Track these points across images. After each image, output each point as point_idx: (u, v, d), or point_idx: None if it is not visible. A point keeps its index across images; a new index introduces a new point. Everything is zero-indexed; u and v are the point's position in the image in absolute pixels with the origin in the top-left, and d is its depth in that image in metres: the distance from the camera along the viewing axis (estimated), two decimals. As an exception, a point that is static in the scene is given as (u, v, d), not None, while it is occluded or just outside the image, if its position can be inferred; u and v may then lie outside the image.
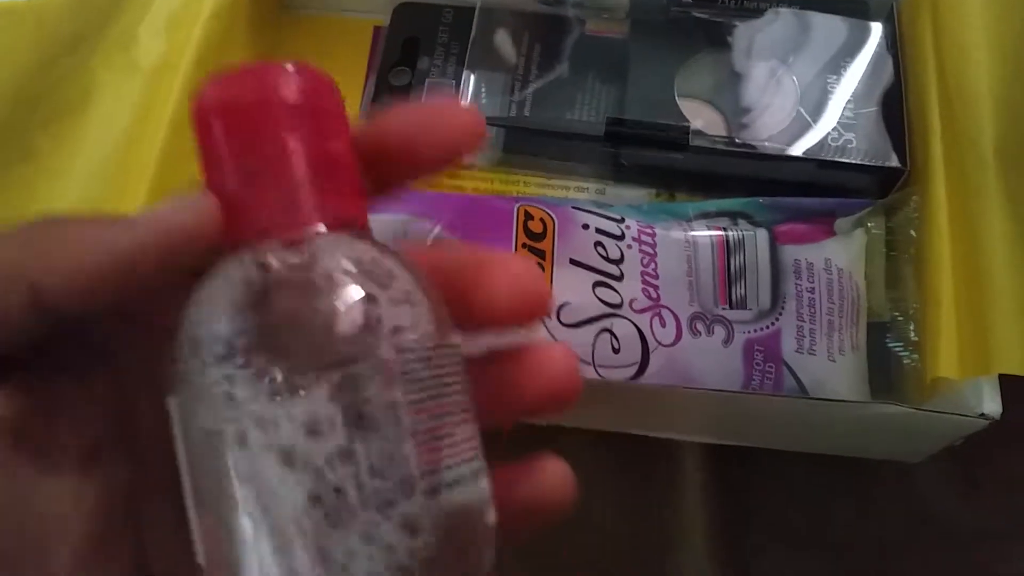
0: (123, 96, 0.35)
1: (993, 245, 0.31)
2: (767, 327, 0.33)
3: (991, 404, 0.30)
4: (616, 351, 0.32)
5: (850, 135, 0.37)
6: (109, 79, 0.35)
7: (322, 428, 0.16)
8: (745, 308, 0.33)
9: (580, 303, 0.32)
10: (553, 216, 0.34)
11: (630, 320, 0.32)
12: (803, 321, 0.33)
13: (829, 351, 0.33)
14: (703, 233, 0.34)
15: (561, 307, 0.32)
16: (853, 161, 0.36)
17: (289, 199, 0.18)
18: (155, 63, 0.36)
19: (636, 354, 0.32)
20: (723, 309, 0.33)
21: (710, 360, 0.33)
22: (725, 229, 0.34)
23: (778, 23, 0.39)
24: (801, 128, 0.37)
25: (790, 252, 0.34)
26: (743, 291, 0.33)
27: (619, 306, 0.32)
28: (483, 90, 0.39)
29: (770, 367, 0.33)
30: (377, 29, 0.44)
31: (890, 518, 0.36)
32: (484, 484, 0.18)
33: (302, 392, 0.16)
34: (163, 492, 0.19)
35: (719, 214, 0.35)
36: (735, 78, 0.38)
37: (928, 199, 0.35)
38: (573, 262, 0.33)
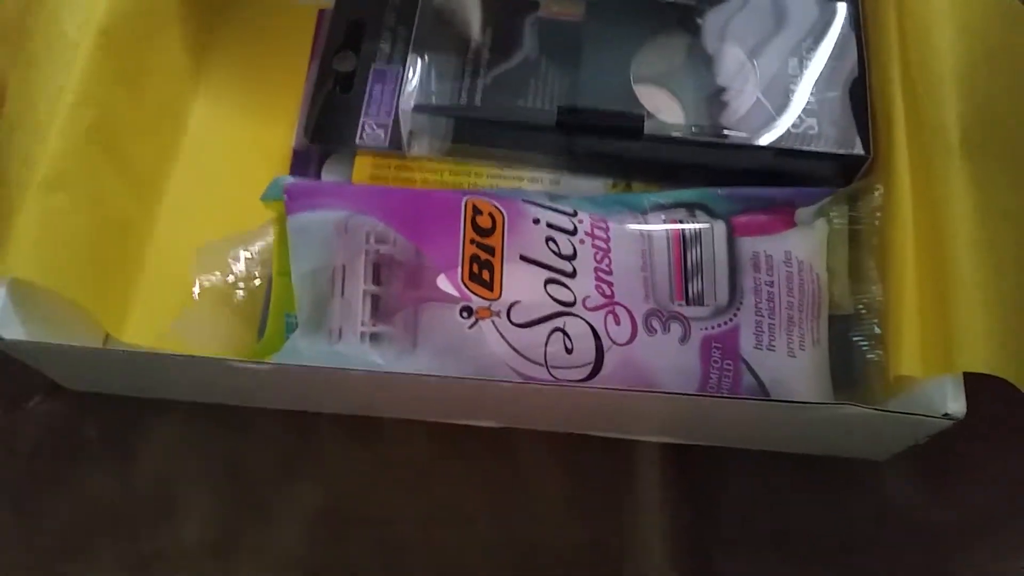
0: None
1: (957, 237, 0.30)
2: (725, 323, 0.32)
3: (955, 404, 0.29)
4: (569, 351, 0.31)
5: (812, 120, 0.35)
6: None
7: None
8: (702, 304, 0.32)
9: (531, 301, 0.31)
10: (503, 210, 0.32)
11: (583, 319, 0.31)
12: (762, 316, 0.32)
13: (789, 347, 0.32)
14: (658, 227, 0.33)
15: (512, 306, 0.31)
16: (814, 149, 0.35)
17: None
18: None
19: (590, 354, 0.31)
20: (679, 305, 0.32)
21: (666, 359, 0.31)
22: (681, 222, 0.33)
23: (738, 4, 0.38)
24: (761, 114, 0.35)
25: (748, 244, 0.33)
26: (700, 286, 0.32)
27: (572, 304, 0.31)
28: (432, 75, 0.37)
29: (728, 364, 0.32)
30: (321, 12, 0.42)
31: (856, 515, 0.35)
32: None
33: None
34: None
35: (676, 205, 0.34)
36: (693, 62, 0.37)
37: (891, 187, 0.33)
38: (524, 259, 0.31)
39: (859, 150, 0.35)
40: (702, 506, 0.35)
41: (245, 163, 0.40)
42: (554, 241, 0.32)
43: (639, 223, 0.33)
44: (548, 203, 0.33)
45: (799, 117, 0.35)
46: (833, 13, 0.37)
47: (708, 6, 0.37)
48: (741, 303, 0.32)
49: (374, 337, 0.31)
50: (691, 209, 0.34)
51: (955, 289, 0.30)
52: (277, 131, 0.40)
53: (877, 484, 0.36)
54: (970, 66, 0.33)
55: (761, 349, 0.32)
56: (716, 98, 0.36)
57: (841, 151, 0.35)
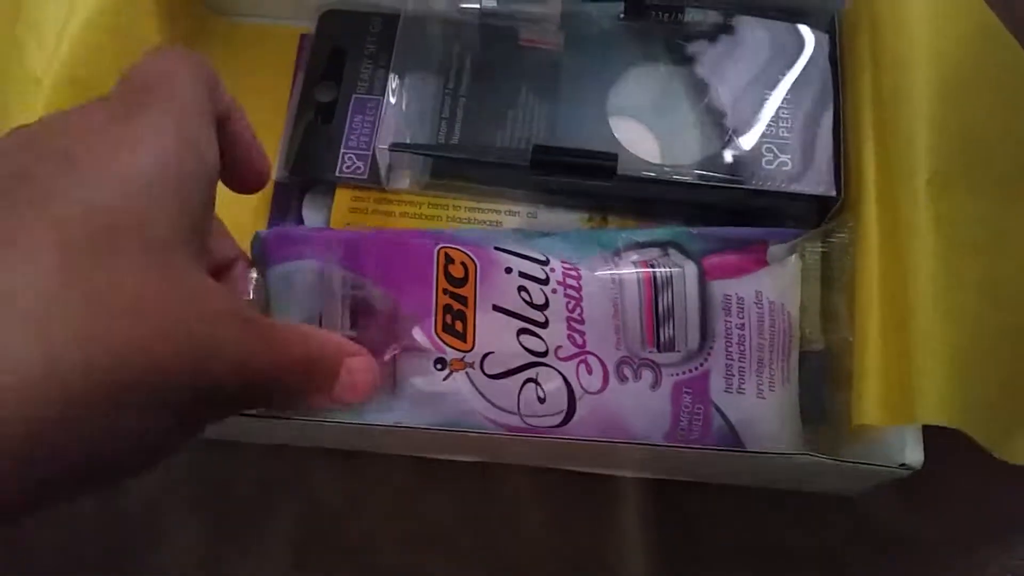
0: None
1: (921, 284, 0.31)
2: (695, 368, 0.33)
3: (913, 453, 0.30)
4: (542, 401, 0.32)
5: (785, 158, 0.36)
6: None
7: None
8: (673, 350, 0.33)
9: (504, 352, 0.32)
10: (475, 259, 0.33)
11: (556, 369, 0.32)
12: (732, 360, 0.33)
13: (759, 388, 0.33)
14: (630, 272, 0.33)
15: (485, 357, 0.32)
16: (786, 189, 0.35)
17: None
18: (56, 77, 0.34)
19: (562, 403, 0.32)
20: (651, 352, 0.33)
21: (637, 404, 0.32)
22: (653, 265, 0.33)
23: (716, 40, 0.37)
24: (734, 151, 0.36)
25: (719, 288, 0.33)
26: (671, 332, 0.33)
27: (544, 354, 0.32)
28: (410, 110, 0.37)
29: (698, 408, 0.33)
30: (303, 37, 0.42)
31: (833, 534, 0.36)
32: None
33: None
34: None
35: (649, 244, 0.34)
36: (670, 96, 0.37)
37: (859, 229, 0.34)
38: (496, 308, 0.32)
39: (830, 191, 0.35)
40: (680, 525, 0.37)
41: (229, 192, 0.40)
42: (526, 291, 0.32)
43: (611, 267, 0.33)
44: (520, 251, 0.33)
45: (773, 155, 0.35)
46: (811, 51, 0.37)
47: (685, 39, 0.37)
48: (712, 347, 0.33)
49: (353, 384, 0.32)
50: (664, 248, 0.34)
51: (917, 339, 0.30)
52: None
53: (853, 503, 0.36)
54: (942, 103, 0.33)
55: (731, 392, 0.33)
56: (692, 134, 0.36)
57: (813, 191, 0.35)
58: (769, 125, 0.36)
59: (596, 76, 0.37)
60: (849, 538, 0.36)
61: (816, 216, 0.36)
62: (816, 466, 0.30)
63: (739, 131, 0.36)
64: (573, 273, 0.33)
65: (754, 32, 0.37)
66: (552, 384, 0.32)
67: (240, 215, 0.35)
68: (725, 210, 0.36)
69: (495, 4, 0.38)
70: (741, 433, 0.33)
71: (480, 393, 0.31)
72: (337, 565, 0.36)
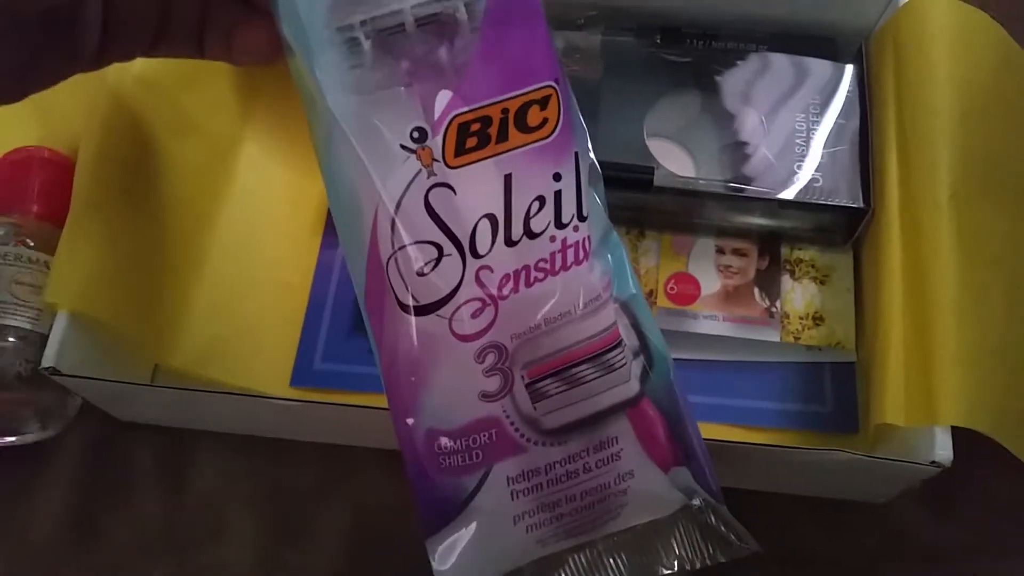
0: None
1: (944, 293, 0.31)
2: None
3: (942, 451, 0.30)
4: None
5: (817, 174, 0.37)
6: None
7: None
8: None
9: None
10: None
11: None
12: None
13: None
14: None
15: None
16: (818, 201, 0.36)
17: None
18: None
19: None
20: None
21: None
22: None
23: (748, 63, 0.39)
24: (767, 167, 0.37)
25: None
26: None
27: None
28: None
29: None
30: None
31: (865, 543, 0.36)
32: None
33: None
34: None
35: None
36: (704, 118, 0.39)
37: (884, 242, 0.35)
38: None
39: (860, 203, 0.36)
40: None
41: (289, 204, 0.42)
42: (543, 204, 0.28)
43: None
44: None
45: (804, 171, 0.37)
46: (838, 73, 0.39)
47: (719, 65, 0.39)
48: None
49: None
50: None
51: (939, 343, 0.31)
52: (319, 174, 0.42)
53: (884, 512, 0.36)
54: (962, 126, 0.34)
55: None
56: (726, 152, 0.38)
57: (843, 204, 0.36)
58: (799, 144, 0.37)
59: (633, 102, 0.39)
60: (880, 547, 0.36)
61: (847, 230, 0.37)
62: (848, 464, 0.31)
63: (772, 151, 0.37)
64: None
65: (782, 59, 0.39)
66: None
67: (302, 223, 0.37)
68: (758, 225, 0.37)
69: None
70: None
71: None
72: (388, 560, 0.37)
